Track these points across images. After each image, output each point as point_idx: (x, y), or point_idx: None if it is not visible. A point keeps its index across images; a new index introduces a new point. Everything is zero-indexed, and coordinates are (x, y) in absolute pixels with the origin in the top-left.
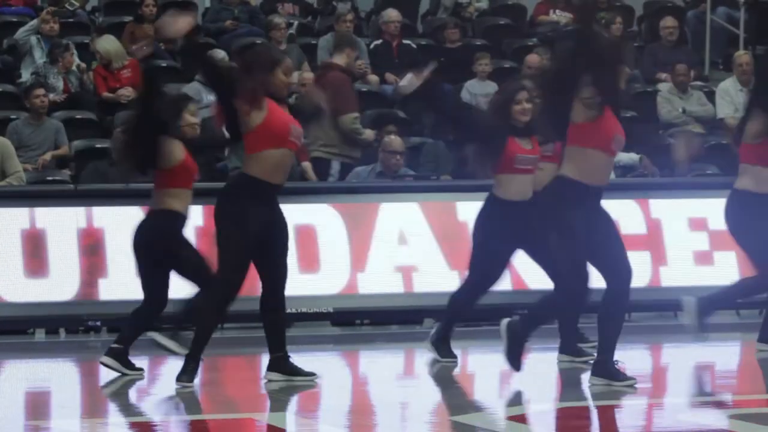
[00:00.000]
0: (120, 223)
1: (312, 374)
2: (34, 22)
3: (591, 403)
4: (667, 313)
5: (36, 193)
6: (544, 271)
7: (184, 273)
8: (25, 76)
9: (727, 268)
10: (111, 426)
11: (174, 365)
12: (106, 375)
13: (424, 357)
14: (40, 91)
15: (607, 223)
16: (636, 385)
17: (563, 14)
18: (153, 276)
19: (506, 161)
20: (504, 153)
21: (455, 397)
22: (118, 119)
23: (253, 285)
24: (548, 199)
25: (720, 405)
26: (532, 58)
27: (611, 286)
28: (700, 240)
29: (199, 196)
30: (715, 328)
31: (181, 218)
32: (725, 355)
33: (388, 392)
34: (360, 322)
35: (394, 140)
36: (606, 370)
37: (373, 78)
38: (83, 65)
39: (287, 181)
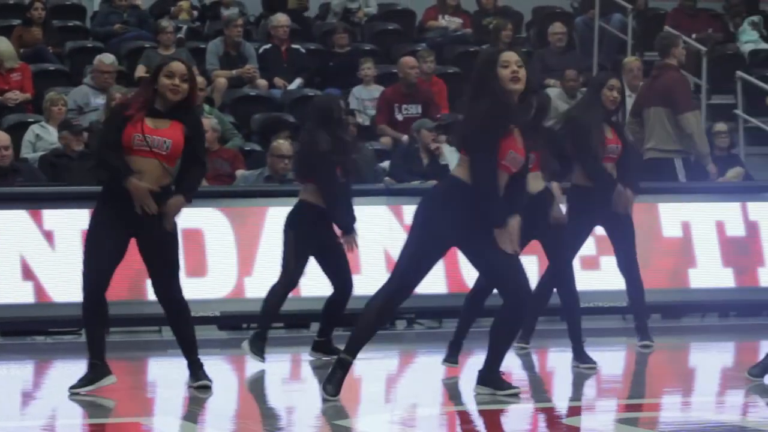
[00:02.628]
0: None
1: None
2: None
3: (476, 408)
4: (553, 317)
5: None
6: None
7: None
8: None
9: (614, 273)
10: None
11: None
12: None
13: (310, 361)
14: None
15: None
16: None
17: (452, 19)
18: None
19: None
20: None
21: (342, 401)
22: (6, 122)
23: (142, 289)
24: None
25: (605, 410)
26: (409, 60)
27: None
28: (586, 245)
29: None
30: (600, 332)
31: None
32: (611, 359)
33: (274, 397)
34: (247, 326)
35: (282, 144)
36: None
37: (262, 82)
38: None
39: None
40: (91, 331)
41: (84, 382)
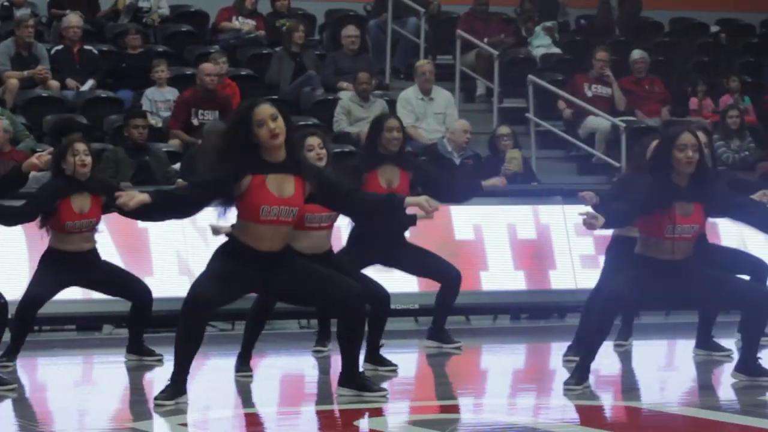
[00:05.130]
0: None
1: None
2: None
3: (269, 411)
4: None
5: None
6: None
7: None
8: None
9: (406, 275)
10: None
11: None
12: None
13: (102, 363)
14: None
15: None
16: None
17: (246, 21)
18: None
19: None
20: None
21: (133, 404)
22: None
23: None
24: None
25: (397, 412)
26: (207, 66)
27: None
28: None
29: None
30: (392, 335)
31: None
32: (403, 361)
33: (67, 399)
34: (39, 328)
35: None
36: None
37: (54, 83)
38: None
39: None
40: None
41: None
